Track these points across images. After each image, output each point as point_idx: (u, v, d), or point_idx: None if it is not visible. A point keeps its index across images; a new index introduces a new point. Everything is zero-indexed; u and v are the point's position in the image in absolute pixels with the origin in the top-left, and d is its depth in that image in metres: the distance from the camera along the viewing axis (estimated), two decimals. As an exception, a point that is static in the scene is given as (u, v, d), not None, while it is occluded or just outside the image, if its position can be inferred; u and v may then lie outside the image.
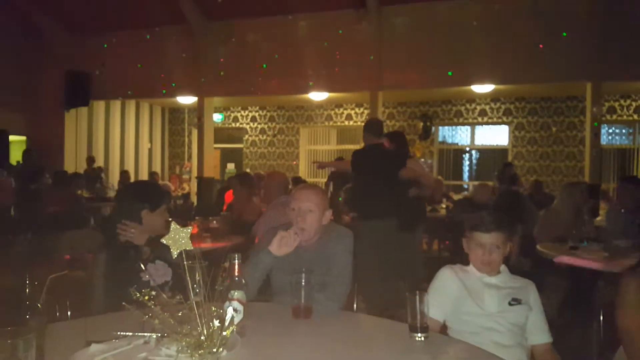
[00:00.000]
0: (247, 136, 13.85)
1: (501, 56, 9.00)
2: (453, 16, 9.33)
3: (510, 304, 2.12)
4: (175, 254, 1.26)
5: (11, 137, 10.31)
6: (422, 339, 1.75)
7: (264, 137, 13.66)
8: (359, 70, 9.74)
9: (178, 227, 1.28)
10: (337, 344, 1.77)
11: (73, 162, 11.63)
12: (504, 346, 2.01)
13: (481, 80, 9.70)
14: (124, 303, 1.21)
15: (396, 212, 4.34)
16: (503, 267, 2.22)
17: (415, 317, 1.76)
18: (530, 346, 2.13)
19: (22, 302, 1.57)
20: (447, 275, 2.21)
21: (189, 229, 1.28)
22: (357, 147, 12.36)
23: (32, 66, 11.14)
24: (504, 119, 11.78)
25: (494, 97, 11.62)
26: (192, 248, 1.27)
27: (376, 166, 4.46)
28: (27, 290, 1.57)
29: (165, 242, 1.26)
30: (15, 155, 10.65)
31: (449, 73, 9.37)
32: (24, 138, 11.35)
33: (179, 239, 1.27)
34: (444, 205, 8.09)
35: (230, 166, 13.86)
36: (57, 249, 3.97)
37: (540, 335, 2.13)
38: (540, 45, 8.64)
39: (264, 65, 10.33)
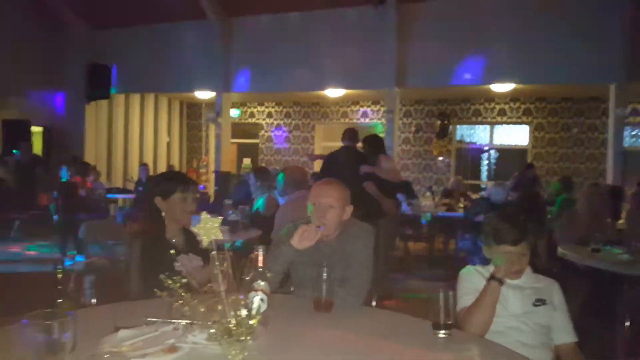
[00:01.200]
0: (262, 132, 13.90)
1: (521, 56, 8.90)
2: (473, 13, 9.24)
3: (534, 305, 2.11)
4: (205, 242, 1.27)
5: (33, 128, 10.49)
6: (445, 336, 1.75)
7: (280, 133, 13.69)
8: (377, 67, 9.71)
9: (208, 216, 1.29)
10: (358, 338, 1.78)
11: (93, 154, 11.78)
12: (529, 346, 2.00)
13: (501, 79, 9.60)
14: (155, 290, 1.23)
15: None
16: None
17: (439, 314, 1.76)
18: (555, 346, 2.12)
19: (53, 287, 1.60)
20: (473, 272, 2.22)
21: (220, 219, 1.30)
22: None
23: (54, 58, 11.31)
24: (524, 119, 11.66)
25: (513, 97, 11.50)
26: (222, 238, 1.29)
27: (339, 163, 5.03)
28: (58, 275, 1.61)
29: (195, 231, 1.28)
30: (37, 146, 10.86)
31: (468, 72, 9.30)
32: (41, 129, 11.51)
33: (209, 228, 1.28)
34: (461, 205, 8.03)
35: (247, 161, 13.93)
36: (82, 237, 4.04)
37: (565, 334, 2.11)
38: (562, 46, 8.51)
39: (281, 62, 10.35)
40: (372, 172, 5.18)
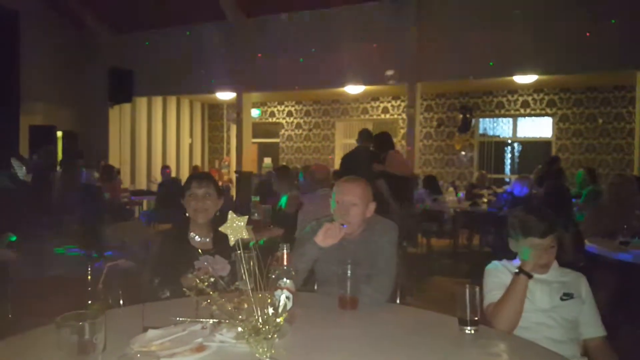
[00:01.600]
0: (283, 131, 13.95)
1: (545, 45, 8.71)
2: (494, 4, 9.10)
3: (562, 299, 2.08)
4: (232, 242, 1.29)
5: (59, 133, 10.71)
6: (472, 332, 1.74)
7: (300, 131, 13.72)
8: (397, 62, 9.65)
9: (235, 215, 1.30)
10: (385, 334, 1.78)
11: (117, 156, 11.98)
12: (557, 341, 1.97)
13: (524, 70, 9.44)
14: (184, 289, 1.24)
15: None
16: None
17: (465, 310, 1.75)
18: (583, 341, 2.08)
19: (83, 289, 1.64)
20: (499, 267, 2.20)
21: (246, 218, 1.31)
22: (394, 140, 12.43)
23: (77, 63, 11.52)
24: (548, 110, 11.46)
25: (537, 88, 11.31)
26: (249, 237, 1.30)
27: (354, 163, 5.28)
28: (88, 277, 1.64)
29: (223, 230, 1.29)
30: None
31: (490, 63, 9.17)
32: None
33: (236, 227, 1.29)
34: (485, 199, 7.94)
35: (267, 160, 14.00)
36: (108, 239, 4.12)
37: (593, 328, 2.08)
38: (587, 34, 8.34)
39: (301, 60, 10.36)
40: (383, 170, 5.33)
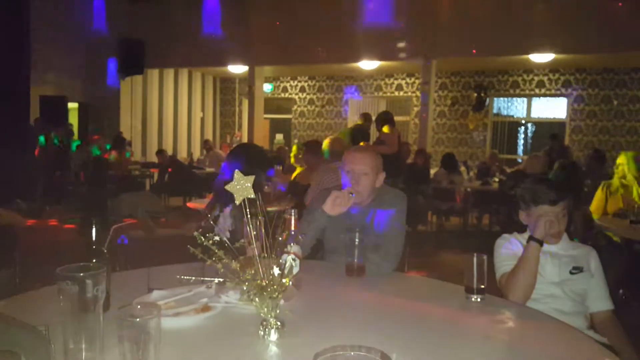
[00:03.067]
0: (295, 107, 13.86)
1: (562, 24, 8.52)
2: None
3: (571, 273, 2.07)
4: (238, 201, 1.27)
5: (70, 105, 10.73)
6: (479, 300, 1.73)
7: (313, 107, 13.63)
8: (413, 38, 9.49)
9: (241, 175, 1.28)
10: (391, 301, 1.77)
11: (128, 129, 12.00)
12: (564, 313, 1.96)
13: (540, 49, 9.25)
14: (188, 246, 1.23)
15: None
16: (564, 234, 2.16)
17: (472, 279, 1.74)
18: (590, 314, 2.07)
19: (88, 247, 1.64)
20: (509, 238, 2.19)
21: (252, 177, 1.29)
22: (408, 118, 12.35)
23: (89, 34, 11.45)
24: (563, 90, 11.27)
25: (552, 68, 11.11)
26: (254, 197, 1.28)
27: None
28: (94, 236, 1.64)
29: (228, 189, 1.28)
30: (74, 121, 11.13)
31: (505, 45, 8.97)
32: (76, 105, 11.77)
33: (241, 187, 1.28)
34: (496, 179, 7.87)
35: (279, 136, 13.97)
36: (118, 208, 4.14)
37: (601, 302, 2.07)
38: (619, 4, 8.06)
39: (314, 34, 10.23)
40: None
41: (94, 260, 1.50)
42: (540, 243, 2.00)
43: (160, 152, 10.17)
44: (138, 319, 0.91)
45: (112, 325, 1.04)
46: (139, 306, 0.98)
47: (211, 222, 2.19)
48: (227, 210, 2.47)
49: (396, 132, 6.56)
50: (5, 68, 7.78)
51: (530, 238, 2.02)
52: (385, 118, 6.45)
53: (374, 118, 6.97)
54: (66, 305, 1.04)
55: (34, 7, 9.49)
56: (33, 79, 9.59)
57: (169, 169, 9.38)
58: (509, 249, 2.13)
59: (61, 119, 9.94)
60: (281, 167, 6.34)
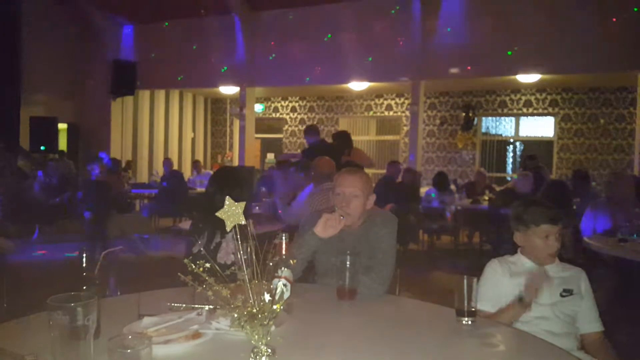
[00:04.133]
0: (286, 126, 13.92)
1: (548, 44, 8.69)
2: (498, 2, 9.07)
3: (562, 296, 2.08)
4: (229, 227, 1.28)
5: (60, 125, 10.70)
6: (469, 323, 1.73)
7: (304, 127, 13.68)
8: (401, 59, 9.63)
9: (232, 201, 1.29)
10: (382, 324, 1.77)
11: (119, 149, 11.97)
12: (555, 334, 1.97)
13: (527, 69, 9.42)
14: (179, 274, 1.23)
15: None
16: None
17: (463, 301, 1.74)
18: (581, 335, 2.08)
19: (78, 275, 1.63)
20: (498, 269, 2.17)
21: (243, 204, 1.30)
22: (398, 137, 12.45)
23: (80, 55, 11.49)
24: (550, 110, 11.43)
25: (539, 88, 11.28)
26: (244, 223, 1.29)
27: (323, 152, 5.30)
28: (84, 263, 1.63)
29: (219, 215, 1.28)
30: (63, 142, 11.09)
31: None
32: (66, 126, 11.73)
33: (232, 213, 1.28)
34: (486, 197, 7.92)
35: (270, 156, 13.98)
36: (108, 229, 4.11)
37: (591, 323, 2.08)
38: (591, 35, 8.27)
39: (305, 55, 10.34)
40: (350, 160, 5.56)
41: (84, 288, 1.49)
42: (528, 308, 1.97)
43: (167, 160, 10.08)
44: (129, 350, 0.91)
45: (103, 354, 1.04)
46: (130, 336, 0.98)
47: (201, 249, 2.19)
48: (230, 235, 2.48)
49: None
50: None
51: (520, 299, 1.97)
52: (350, 138, 6.48)
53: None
54: (56, 334, 1.03)
55: (26, 27, 9.51)
56: (23, 100, 9.58)
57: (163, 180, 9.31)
58: (494, 283, 2.13)
59: (52, 139, 9.91)
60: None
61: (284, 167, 6.03)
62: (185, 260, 1.22)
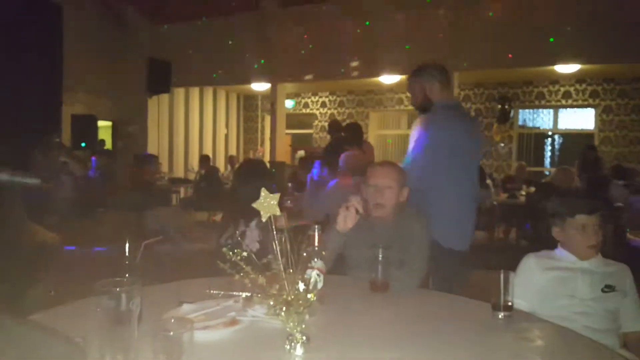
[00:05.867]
0: (316, 122, 13.96)
1: (588, 33, 8.40)
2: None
3: (603, 291, 2.03)
4: (264, 218, 1.31)
5: (99, 123, 11.02)
6: (506, 317, 1.71)
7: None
8: (434, 50, 9.49)
9: (268, 192, 1.32)
10: (416, 317, 1.77)
11: (155, 146, 12.25)
12: (596, 330, 1.92)
13: (566, 59, 9.14)
14: (218, 261, 1.27)
15: None
16: None
17: (499, 295, 1.73)
18: (622, 333, 2.03)
19: (120, 263, 1.69)
20: (533, 266, 2.14)
21: (277, 195, 1.32)
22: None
23: (117, 54, 11.77)
24: (590, 101, 11.09)
25: (579, 78, 10.95)
26: (280, 214, 1.32)
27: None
28: (126, 251, 1.69)
29: (255, 207, 1.32)
30: (107, 140, 11.45)
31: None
32: (109, 123, 12.08)
33: (268, 204, 1.31)
34: (523, 192, 7.76)
35: (300, 152, 14.03)
36: (146, 223, 4.23)
37: (634, 322, 2.02)
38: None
39: (336, 49, 10.31)
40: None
41: (127, 275, 1.55)
42: None
43: (205, 157, 10.29)
44: (172, 333, 0.94)
45: (146, 337, 1.08)
46: (172, 320, 1.01)
47: (238, 237, 2.23)
48: (253, 223, 2.54)
49: None
50: (38, 88, 8.06)
51: None
52: (361, 130, 6.44)
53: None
54: (103, 318, 1.08)
55: (67, 28, 9.82)
56: (64, 99, 9.89)
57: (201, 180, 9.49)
58: (528, 281, 2.09)
59: (92, 136, 10.21)
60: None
61: (307, 163, 6.03)
62: (224, 249, 1.26)
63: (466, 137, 2.87)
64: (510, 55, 9.02)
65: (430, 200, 2.69)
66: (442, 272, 2.65)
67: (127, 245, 1.66)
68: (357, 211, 2.18)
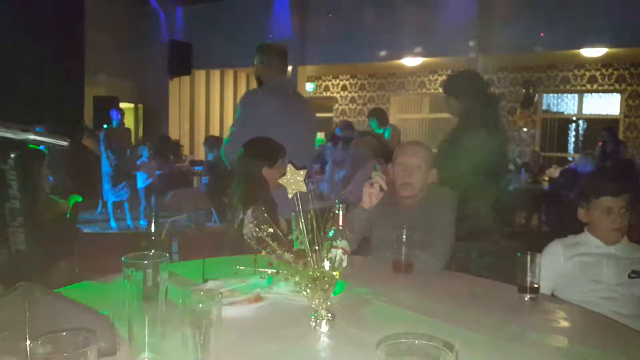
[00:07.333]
0: (337, 105, 13.88)
1: (615, 16, 8.16)
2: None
3: (630, 277, 1.99)
4: (291, 194, 1.30)
5: (122, 105, 11.12)
6: (532, 299, 1.69)
7: (354, 106, 13.60)
8: (457, 33, 9.32)
9: (294, 168, 1.31)
10: (440, 298, 1.76)
11: (177, 128, 12.33)
12: (622, 315, 1.90)
13: (592, 43, 8.91)
14: (244, 236, 1.27)
15: None
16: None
17: (525, 277, 1.71)
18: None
19: (146, 240, 1.71)
20: (558, 252, 2.12)
21: (304, 172, 1.31)
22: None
23: (139, 36, 11.83)
24: (617, 86, 10.82)
25: (605, 62, 10.67)
26: (306, 190, 1.31)
27: None
28: (152, 229, 1.71)
29: (281, 183, 1.31)
30: (129, 121, 11.56)
31: (554, 39, 8.65)
32: (132, 105, 12.19)
33: (294, 180, 1.30)
34: (546, 178, 7.64)
35: (320, 135, 13.99)
36: (169, 203, 4.27)
37: None
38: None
39: (357, 32, 10.20)
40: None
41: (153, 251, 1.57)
42: None
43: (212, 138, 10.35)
44: (201, 305, 0.95)
45: (173, 311, 1.09)
46: (201, 292, 1.02)
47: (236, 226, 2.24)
48: (249, 212, 2.48)
49: None
50: (61, 70, 8.16)
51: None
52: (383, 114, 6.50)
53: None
54: (131, 291, 1.09)
55: (89, 10, 9.89)
56: (87, 81, 10.01)
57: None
58: (552, 263, 2.07)
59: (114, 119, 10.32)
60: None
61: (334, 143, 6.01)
62: (250, 225, 1.26)
63: (283, 114, 3.11)
64: (542, 34, 8.78)
65: None
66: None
67: (152, 222, 1.68)
68: (380, 188, 2.18)
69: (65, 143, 1.37)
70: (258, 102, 3.12)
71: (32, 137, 1.29)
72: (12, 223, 1.45)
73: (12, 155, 1.37)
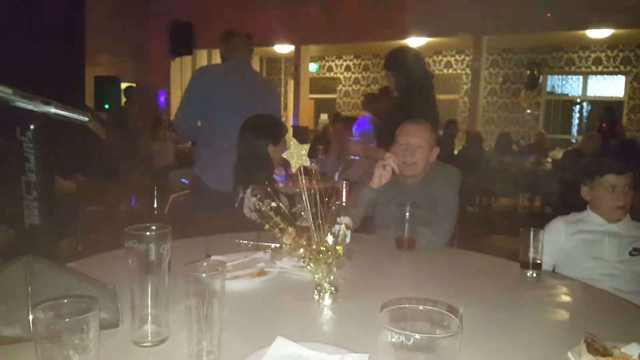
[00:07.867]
0: (340, 86, 13.79)
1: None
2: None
3: (631, 254, 2.01)
4: (294, 168, 1.29)
5: (122, 84, 11.06)
6: (534, 275, 1.70)
7: (358, 87, 13.51)
8: (462, 13, 9.21)
9: (298, 143, 1.30)
10: (442, 274, 1.77)
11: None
12: (623, 292, 1.91)
13: (597, 24, 8.80)
14: (248, 208, 1.27)
15: None
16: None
17: (528, 253, 1.71)
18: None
19: (149, 214, 1.71)
20: (560, 229, 2.13)
21: (308, 145, 1.31)
22: (457, 96, 12.07)
23: (140, 16, 11.72)
24: (622, 68, 10.72)
25: (610, 44, 10.57)
26: (309, 164, 1.30)
27: None
28: (155, 204, 1.71)
29: (285, 157, 1.30)
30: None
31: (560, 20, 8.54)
32: (134, 85, 12.12)
33: (298, 154, 1.30)
34: (549, 159, 7.62)
35: (324, 116, 13.95)
36: (170, 184, 4.27)
37: None
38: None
39: (361, 11, 10.08)
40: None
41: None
42: None
43: None
44: (204, 275, 0.94)
45: (176, 284, 1.09)
46: (205, 264, 1.02)
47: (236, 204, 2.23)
48: (249, 191, 2.46)
49: None
50: (61, 50, 8.10)
51: None
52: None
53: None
54: (133, 263, 1.09)
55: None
56: (87, 61, 9.94)
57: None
58: (554, 239, 2.07)
59: (115, 98, 10.28)
60: (323, 147, 6.35)
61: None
62: (253, 199, 1.25)
63: (231, 92, 3.18)
64: (549, 15, 8.66)
65: (197, 147, 3.14)
66: (207, 209, 2.86)
67: (155, 198, 1.68)
68: (392, 171, 2.20)
69: (86, 119, 1.36)
70: (205, 80, 3.27)
71: (53, 110, 1.28)
72: (27, 196, 1.44)
73: (32, 127, 1.35)
